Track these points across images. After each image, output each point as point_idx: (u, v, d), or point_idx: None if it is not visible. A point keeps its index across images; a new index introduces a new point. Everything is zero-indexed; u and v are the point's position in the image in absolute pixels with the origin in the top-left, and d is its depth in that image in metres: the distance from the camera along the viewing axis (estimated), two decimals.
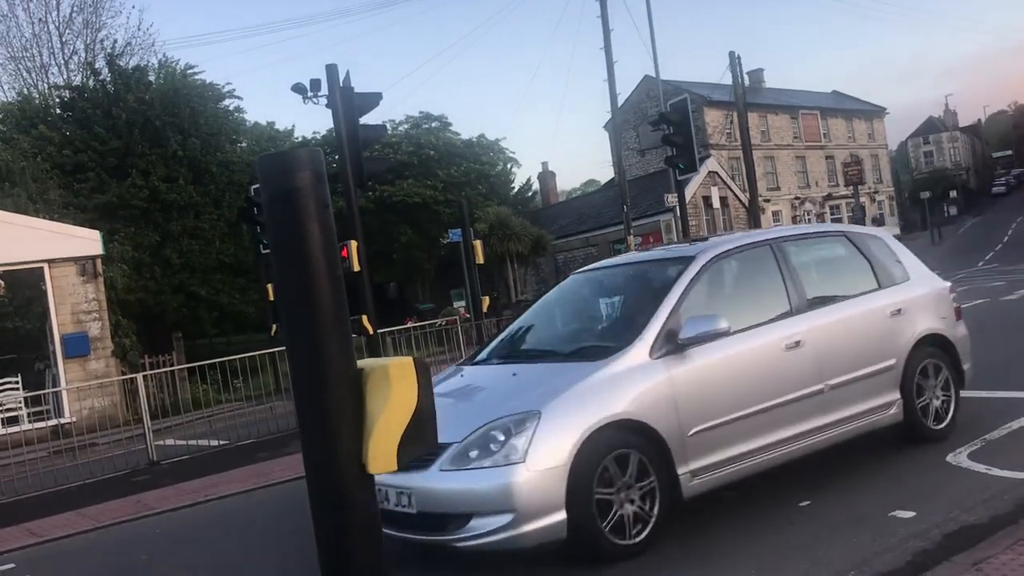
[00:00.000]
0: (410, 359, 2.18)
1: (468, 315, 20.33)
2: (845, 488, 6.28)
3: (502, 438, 5.21)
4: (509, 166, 46.45)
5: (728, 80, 34.54)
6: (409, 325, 18.16)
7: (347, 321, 2.17)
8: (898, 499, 5.83)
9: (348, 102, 12.55)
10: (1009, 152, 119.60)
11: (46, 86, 38.76)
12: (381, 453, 2.11)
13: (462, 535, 5.19)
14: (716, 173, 40.50)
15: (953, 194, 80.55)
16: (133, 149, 30.11)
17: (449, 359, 15.94)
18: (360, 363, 2.20)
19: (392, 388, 2.13)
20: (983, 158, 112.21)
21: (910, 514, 5.50)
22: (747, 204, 38.48)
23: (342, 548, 2.13)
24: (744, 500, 6.33)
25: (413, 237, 38.57)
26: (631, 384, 5.59)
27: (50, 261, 17.88)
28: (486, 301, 16.00)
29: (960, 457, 6.68)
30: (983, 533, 5.00)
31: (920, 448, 7.17)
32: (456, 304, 33.43)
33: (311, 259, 2.11)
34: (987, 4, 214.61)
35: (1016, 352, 11.92)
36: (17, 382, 17.72)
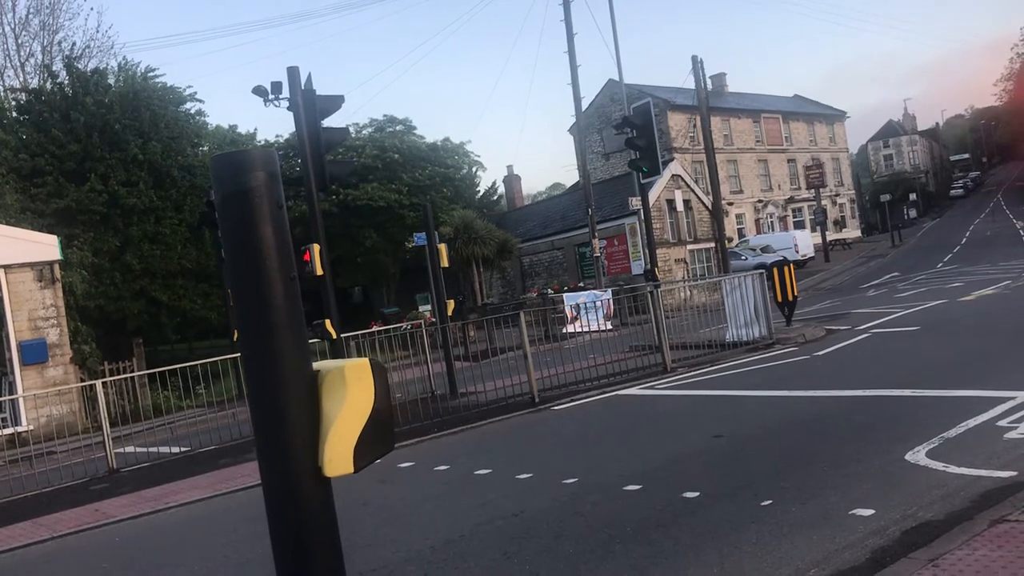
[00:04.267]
0: (366, 360, 2.15)
1: (433, 319, 20.26)
2: (806, 487, 6.35)
3: None
4: (474, 169, 46.44)
5: (691, 84, 34.77)
6: (374, 329, 18.06)
7: (302, 323, 2.14)
8: (857, 497, 5.90)
9: (310, 105, 12.47)
10: (966, 156, 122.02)
11: (1, 89, 38.06)
12: (337, 456, 2.08)
13: None
14: (679, 176, 40.74)
15: (913, 197, 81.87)
16: (92, 153, 29.63)
17: (414, 363, 15.89)
18: (316, 365, 2.17)
19: (348, 390, 2.10)
20: (941, 161, 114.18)
21: (869, 512, 5.57)
22: (710, 207, 38.75)
23: (298, 552, 2.10)
24: (707, 499, 6.37)
25: (377, 241, 38.40)
26: None
27: (6, 267, 17.56)
28: (451, 305, 15.93)
29: (918, 455, 6.78)
30: (940, 529, 5.08)
31: (880, 447, 7.28)
32: (421, 308, 33.29)
33: (265, 260, 2.08)
34: (946, 10, 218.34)
35: (973, 352, 12.15)
36: None
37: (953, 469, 6.29)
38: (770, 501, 6.10)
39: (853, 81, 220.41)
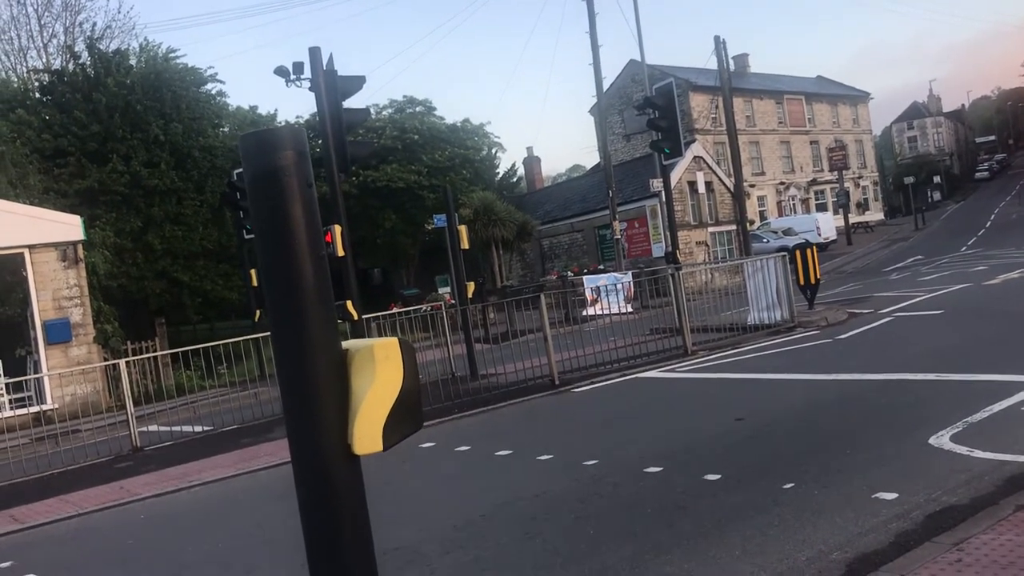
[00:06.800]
0: (395, 339, 2.15)
1: (453, 301, 20.30)
2: (829, 470, 6.32)
3: None
4: (494, 151, 46.32)
5: (713, 65, 34.54)
6: (394, 311, 18.11)
7: (331, 301, 2.14)
8: (881, 481, 5.87)
9: (331, 85, 12.45)
10: (992, 138, 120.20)
11: (25, 70, 38.35)
12: (366, 434, 2.09)
13: None
14: (701, 158, 40.46)
15: (937, 179, 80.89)
16: (114, 134, 29.78)
17: (434, 344, 15.94)
18: (345, 344, 2.17)
19: (377, 368, 2.10)
20: (966, 143, 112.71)
21: (893, 495, 5.54)
22: (732, 189, 38.53)
23: (329, 528, 2.11)
24: (728, 482, 6.36)
25: (397, 222, 38.43)
26: None
27: (31, 247, 17.72)
28: (471, 287, 15.93)
29: (942, 439, 6.74)
30: (964, 514, 5.04)
31: (903, 431, 7.23)
32: (441, 290, 33.37)
33: (294, 239, 2.08)
34: None
35: (998, 336, 12.04)
36: None
37: (978, 453, 6.24)
38: (792, 484, 6.08)
39: (878, 62, 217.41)
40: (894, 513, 5.25)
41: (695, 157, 39.48)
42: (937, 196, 78.82)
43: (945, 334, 13.02)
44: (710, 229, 40.19)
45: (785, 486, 6.06)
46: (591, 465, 7.46)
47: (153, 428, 13.69)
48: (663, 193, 21.78)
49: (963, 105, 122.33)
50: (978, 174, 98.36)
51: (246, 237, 22.08)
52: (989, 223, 49.29)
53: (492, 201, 35.10)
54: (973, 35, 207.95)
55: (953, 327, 13.68)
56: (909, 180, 66.45)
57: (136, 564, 6.73)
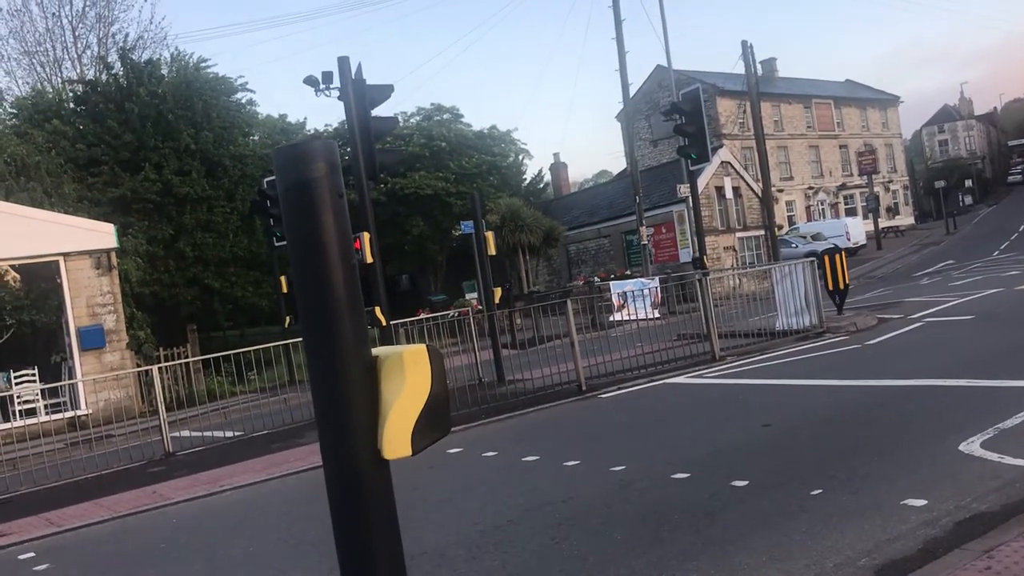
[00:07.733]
0: (423, 346, 2.21)
1: (480, 307, 20.35)
2: (856, 477, 6.30)
3: None
4: (520, 157, 46.40)
5: (741, 69, 34.37)
6: (421, 317, 18.20)
7: (361, 309, 2.21)
8: (910, 487, 5.84)
9: (360, 94, 12.57)
10: None
11: (59, 80, 38.99)
12: (396, 439, 2.14)
13: None
14: (729, 163, 40.24)
15: (968, 183, 79.89)
16: (146, 143, 30.23)
17: (462, 350, 16.01)
18: (375, 351, 2.23)
19: (406, 375, 2.16)
20: (999, 147, 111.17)
21: (922, 502, 5.51)
22: (760, 194, 38.31)
23: (358, 531, 2.17)
24: (755, 488, 6.35)
25: (425, 229, 38.63)
26: None
27: (65, 254, 18.03)
28: (498, 293, 15.98)
29: (972, 446, 6.68)
30: (995, 521, 5.01)
31: (933, 437, 7.18)
32: (468, 296, 33.45)
33: (326, 248, 2.15)
34: None
35: None
36: (34, 374, 17.90)
37: (1009, 460, 6.18)
38: (820, 490, 6.06)
39: (908, 65, 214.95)
40: (923, 520, 5.23)
41: (722, 162, 39.30)
42: (969, 200, 77.82)
43: (976, 339, 12.89)
44: (738, 234, 39.98)
45: (813, 492, 6.04)
46: (618, 471, 7.47)
47: (185, 433, 13.85)
48: (690, 198, 21.74)
49: (995, 108, 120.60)
50: (1011, 178, 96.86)
51: (276, 244, 22.35)
52: (1022, 227, 48.61)
53: (519, 207, 35.16)
54: (1005, 37, 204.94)
55: (984, 332, 13.53)
56: (940, 184, 65.77)
57: (169, 567, 6.83)
